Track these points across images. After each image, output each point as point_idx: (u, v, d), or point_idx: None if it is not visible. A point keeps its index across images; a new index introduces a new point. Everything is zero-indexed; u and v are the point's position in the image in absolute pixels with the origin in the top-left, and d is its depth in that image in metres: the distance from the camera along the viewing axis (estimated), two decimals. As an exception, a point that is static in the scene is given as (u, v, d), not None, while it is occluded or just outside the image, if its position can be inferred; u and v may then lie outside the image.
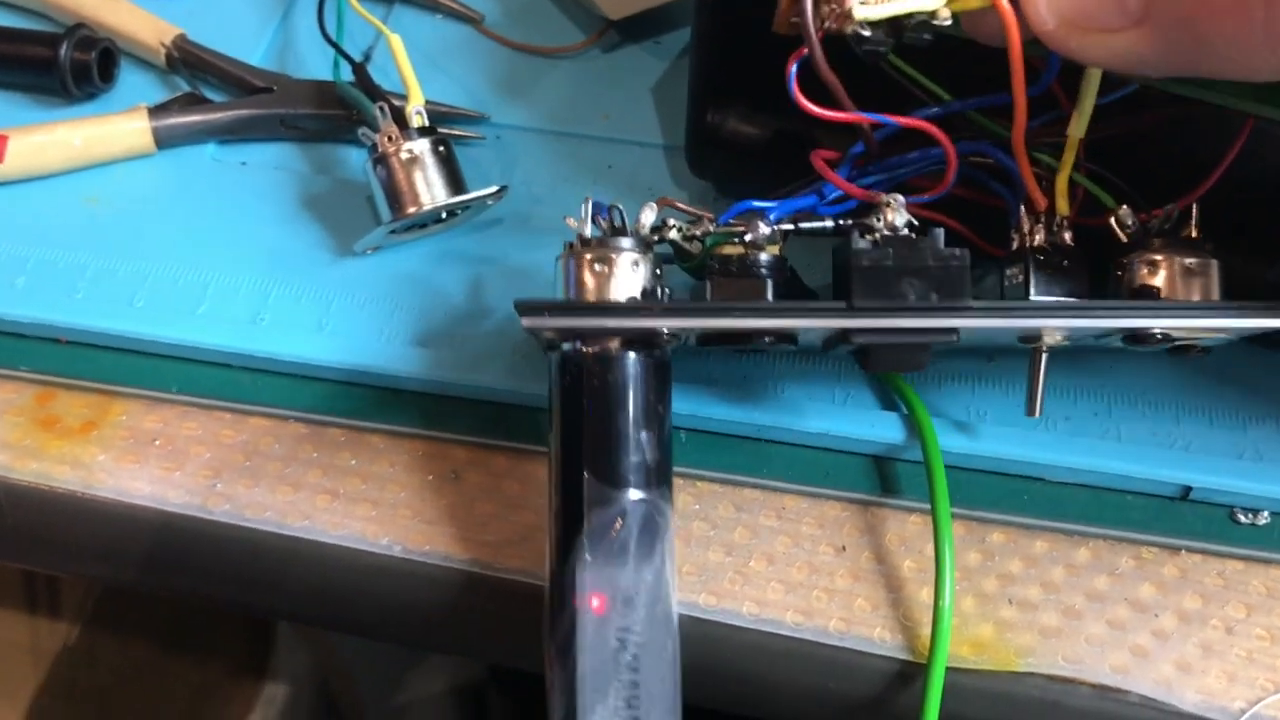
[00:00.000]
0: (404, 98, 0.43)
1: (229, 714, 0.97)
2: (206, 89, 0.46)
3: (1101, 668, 0.36)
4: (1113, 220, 0.36)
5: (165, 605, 0.87)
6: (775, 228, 0.35)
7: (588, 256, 0.34)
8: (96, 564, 0.40)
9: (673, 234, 0.36)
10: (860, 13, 0.30)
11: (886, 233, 0.34)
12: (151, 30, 0.47)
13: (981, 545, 0.39)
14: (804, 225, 0.36)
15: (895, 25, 0.30)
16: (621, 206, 0.35)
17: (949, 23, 0.30)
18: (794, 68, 0.32)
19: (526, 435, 0.40)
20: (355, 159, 0.45)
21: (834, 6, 0.30)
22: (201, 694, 0.94)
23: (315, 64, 0.48)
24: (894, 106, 0.35)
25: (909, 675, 0.37)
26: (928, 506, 0.38)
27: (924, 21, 0.30)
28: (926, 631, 0.36)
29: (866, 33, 0.30)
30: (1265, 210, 0.38)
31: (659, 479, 0.34)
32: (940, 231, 0.34)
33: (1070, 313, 0.33)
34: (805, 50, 0.31)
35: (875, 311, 0.33)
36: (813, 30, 0.31)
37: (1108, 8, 0.28)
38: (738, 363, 0.40)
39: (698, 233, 0.36)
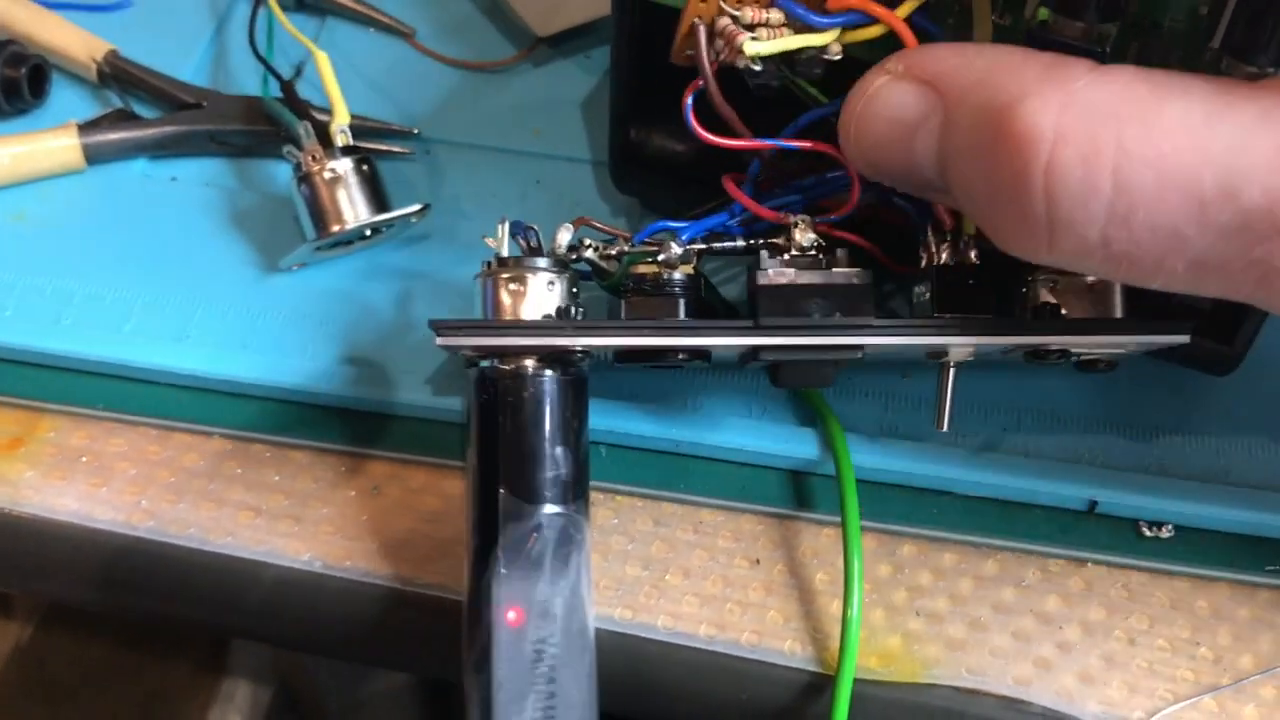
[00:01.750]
0: (330, 112, 0.43)
1: (187, 711, 0.97)
2: (137, 104, 0.47)
3: (1005, 680, 0.37)
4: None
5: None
6: (688, 247, 0.36)
7: (504, 276, 0.35)
8: (24, 579, 0.41)
9: (589, 253, 0.37)
10: (751, 49, 0.30)
11: (794, 252, 0.35)
12: (83, 46, 0.47)
13: (892, 558, 0.39)
14: (716, 245, 0.37)
15: (787, 59, 0.31)
16: (538, 227, 0.36)
17: (839, 57, 0.31)
18: (690, 99, 0.33)
19: (444, 451, 0.40)
20: (283, 174, 0.45)
21: (726, 42, 0.31)
22: (158, 692, 0.94)
23: (246, 79, 0.48)
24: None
25: (818, 686, 0.38)
26: (839, 519, 0.38)
27: (814, 56, 0.31)
28: (835, 643, 0.37)
29: (758, 68, 0.31)
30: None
31: (575, 494, 0.35)
32: (845, 251, 0.35)
33: (970, 331, 0.34)
34: (700, 82, 0.32)
35: (780, 330, 0.34)
36: (706, 64, 0.31)
37: (899, 173, 0.31)
38: (657, 379, 0.41)
39: (614, 252, 0.37)
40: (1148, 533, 0.39)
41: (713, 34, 0.32)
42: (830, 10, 0.31)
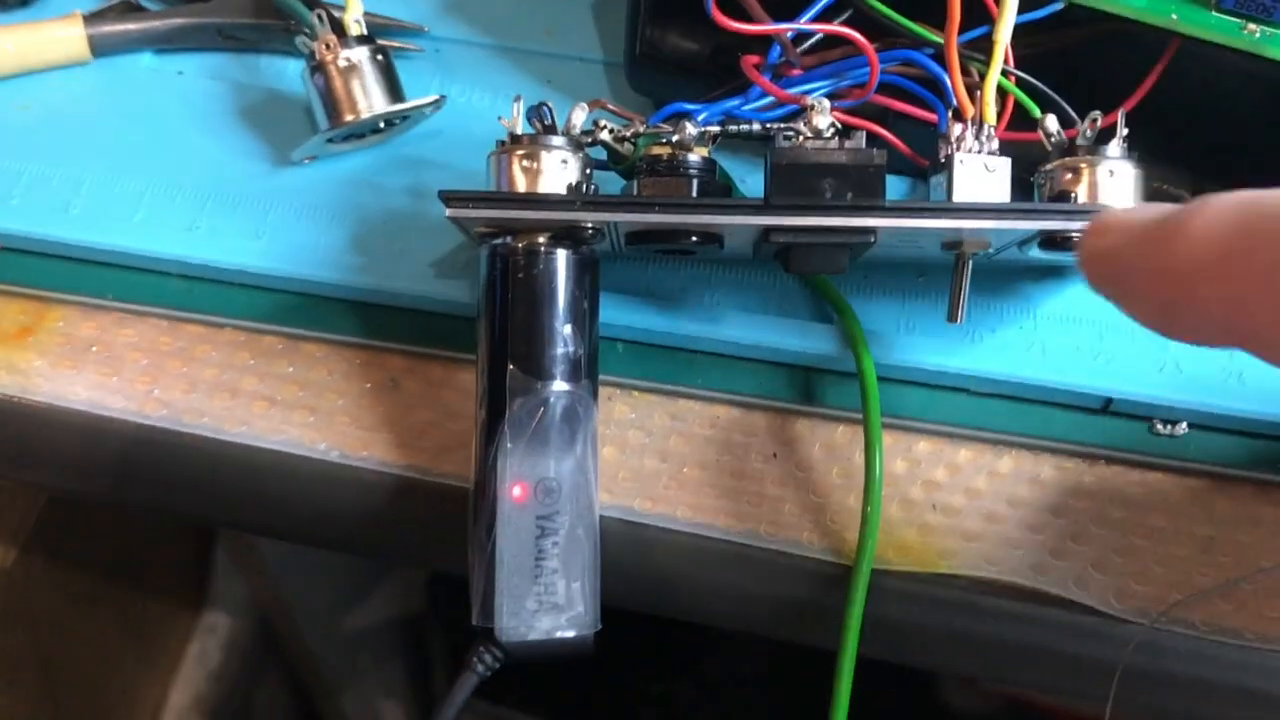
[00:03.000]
0: (342, 7, 0.42)
1: (168, 643, 0.97)
2: (143, -1, 0.46)
3: (1022, 569, 0.38)
4: (1040, 129, 0.36)
5: (104, 534, 0.87)
6: (703, 129, 0.36)
7: (518, 153, 0.35)
8: (33, 470, 0.41)
9: (604, 135, 0.36)
10: None
11: (810, 135, 0.35)
12: (87, -62, 0.46)
13: (908, 453, 0.39)
14: (731, 128, 0.36)
15: None
16: (551, 104, 0.36)
17: None
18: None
19: (464, 345, 0.40)
20: (292, 70, 0.45)
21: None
22: (140, 623, 0.94)
23: (254, -26, 0.47)
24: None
25: (836, 577, 0.38)
26: (856, 416, 0.39)
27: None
28: (852, 536, 0.38)
29: None
30: (1189, 130, 0.39)
31: (583, 373, 0.35)
32: (862, 134, 0.35)
33: (982, 214, 0.34)
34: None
35: (791, 209, 0.33)
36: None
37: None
38: (673, 274, 0.40)
39: (628, 134, 0.36)
40: (1162, 430, 0.39)
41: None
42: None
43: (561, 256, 0.34)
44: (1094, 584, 0.37)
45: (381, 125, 0.42)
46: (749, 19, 0.35)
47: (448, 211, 0.33)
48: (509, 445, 0.33)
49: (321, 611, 1.05)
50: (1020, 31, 0.37)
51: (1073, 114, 0.37)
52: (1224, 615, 0.37)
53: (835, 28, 0.35)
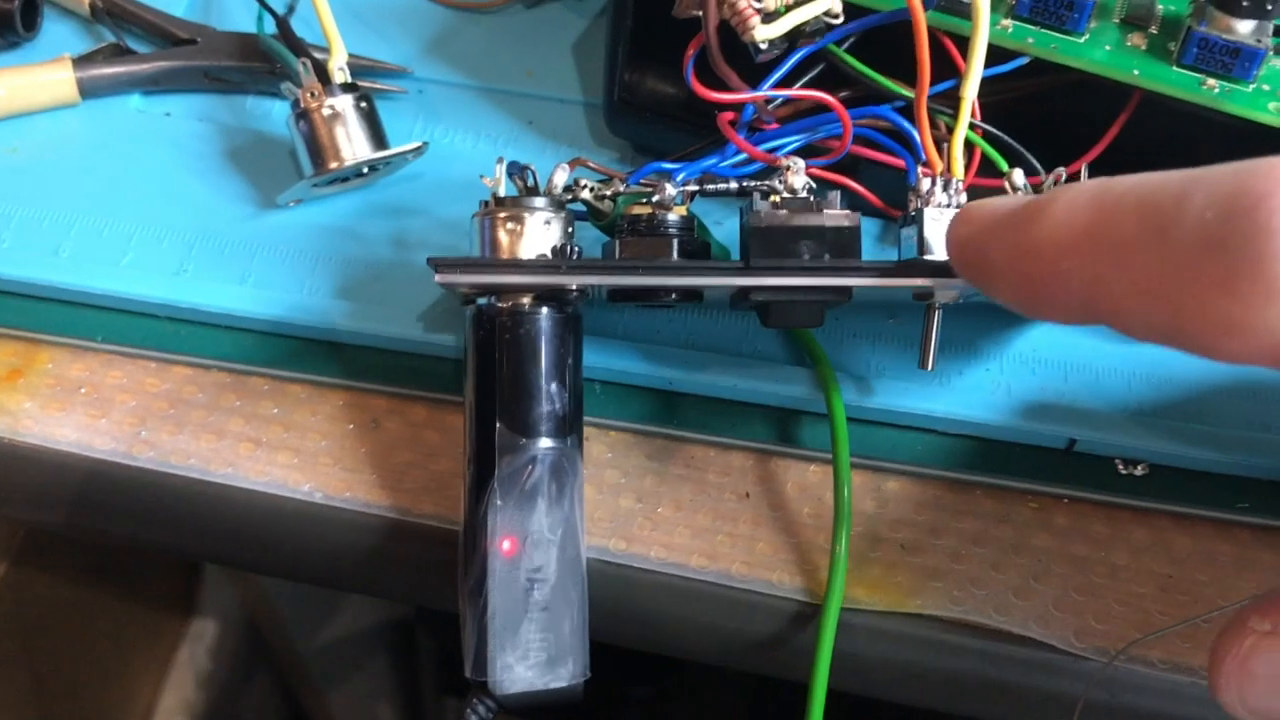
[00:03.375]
0: (327, 51, 0.43)
1: (157, 650, 0.98)
2: (131, 40, 0.47)
3: (986, 609, 0.39)
4: (1005, 183, 0.37)
5: (93, 544, 0.87)
6: (682, 189, 0.37)
7: (501, 215, 0.36)
8: (23, 508, 0.41)
9: (585, 194, 0.37)
10: (762, 34, 0.31)
11: (786, 194, 0.36)
12: (75, -21, 0.47)
13: (877, 493, 0.41)
14: (709, 187, 0.37)
15: (792, 33, 0.32)
16: (534, 168, 0.37)
17: (840, 20, 0.32)
18: (691, 58, 0.33)
19: (445, 386, 0.41)
20: (279, 111, 0.46)
21: (736, 18, 0.32)
22: (129, 630, 0.94)
23: (239, 16, 0.48)
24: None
25: (806, 615, 0.39)
26: (828, 456, 0.39)
27: (820, 22, 0.32)
28: (823, 574, 0.39)
29: (764, 46, 0.32)
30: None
31: (569, 428, 0.36)
32: (836, 194, 0.36)
33: (953, 272, 0.35)
34: (702, 41, 0.33)
35: (771, 270, 0.35)
36: (713, 30, 0.32)
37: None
38: (650, 318, 0.42)
39: (609, 193, 0.37)
40: (1123, 470, 0.40)
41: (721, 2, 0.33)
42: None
43: (546, 316, 0.35)
44: (1055, 622, 0.39)
45: (365, 170, 0.43)
46: (726, 87, 0.36)
47: (437, 278, 0.34)
48: (498, 502, 0.34)
49: (309, 616, 1.06)
50: (986, 80, 0.38)
51: (1038, 165, 0.38)
52: (1182, 653, 0.39)
53: (810, 93, 0.36)
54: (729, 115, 0.38)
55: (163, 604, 1.00)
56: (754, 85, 0.37)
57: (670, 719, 1.03)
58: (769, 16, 0.34)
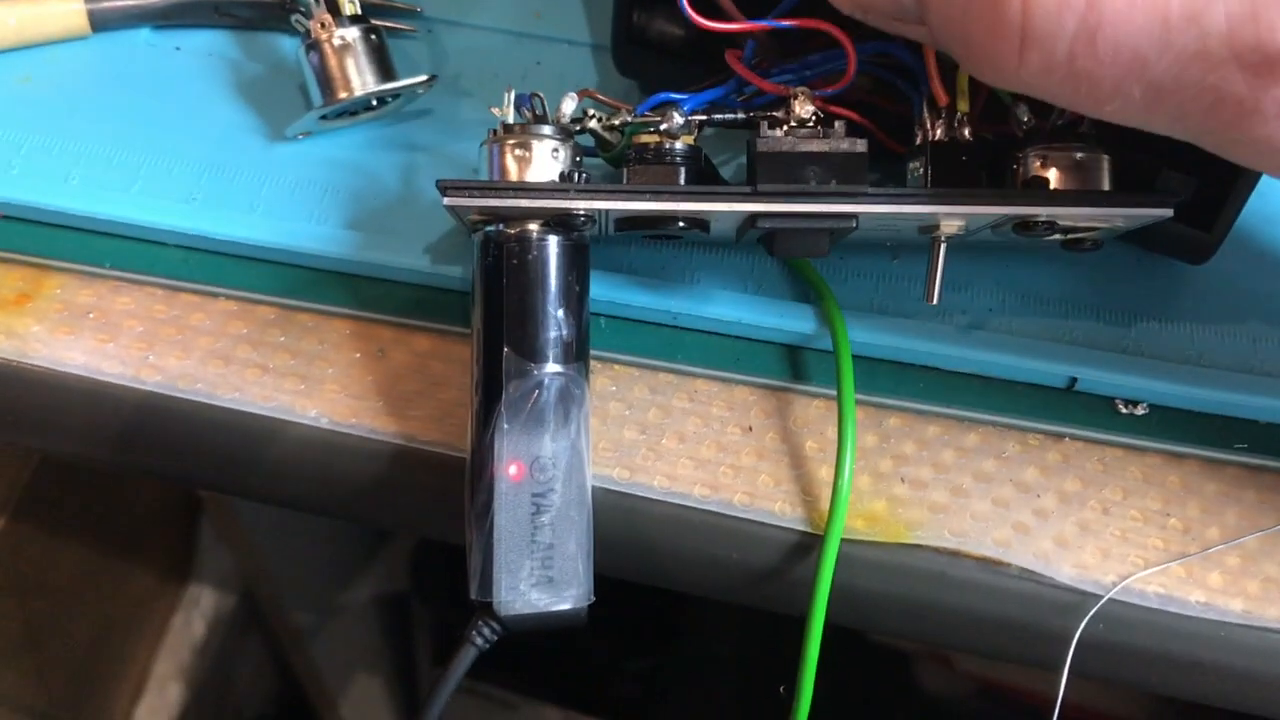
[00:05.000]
0: (338, -14, 0.43)
1: (153, 615, 0.98)
2: (142, -26, 0.47)
3: (985, 541, 0.39)
4: (1010, 116, 0.38)
5: (90, 506, 0.87)
6: (689, 118, 0.37)
7: (510, 142, 0.36)
8: (29, 433, 0.41)
9: (593, 124, 0.38)
10: None
11: (793, 124, 0.36)
12: (87, -86, 0.47)
13: (879, 429, 0.41)
14: (716, 116, 0.38)
15: None
16: (543, 95, 0.37)
17: None
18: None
19: (451, 317, 0.41)
20: (288, 47, 0.46)
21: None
22: (126, 594, 0.95)
23: (250, -47, 0.48)
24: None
25: (807, 546, 0.39)
26: (831, 392, 0.40)
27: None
28: (824, 506, 0.39)
29: None
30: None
31: (576, 355, 0.36)
32: (842, 123, 0.36)
33: (960, 200, 0.35)
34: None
35: (777, 196, 0.35)
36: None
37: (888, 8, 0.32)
38: (656, 253, 0.42)
39: (617, 123, 0.38)
40: (1123, 410, 0.41)
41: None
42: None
43: (554, 243, 0.36)
44: (1054, 557, 0.39)
45: (374, 103, 0.43)
46: (725, 17, 0.36)
47: (445, 200, 0.34)
48: (505, 426, 0.35)
49: (305, 584, 1.06)
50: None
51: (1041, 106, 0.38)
52: (1175, 586, 0.39)
53: (812, 22, 0.36)
54: (736, 51, 0.39)
55: (160, 569, 1.00)
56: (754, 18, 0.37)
57: (667, 691, 1.03)
58: None
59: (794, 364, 0.41)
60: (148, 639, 0.99)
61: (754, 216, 0.35)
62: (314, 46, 0.42)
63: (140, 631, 0.98)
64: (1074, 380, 0.41)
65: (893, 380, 0.41)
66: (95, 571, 0.91)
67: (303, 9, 0.42)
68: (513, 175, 0.36)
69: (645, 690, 1.03)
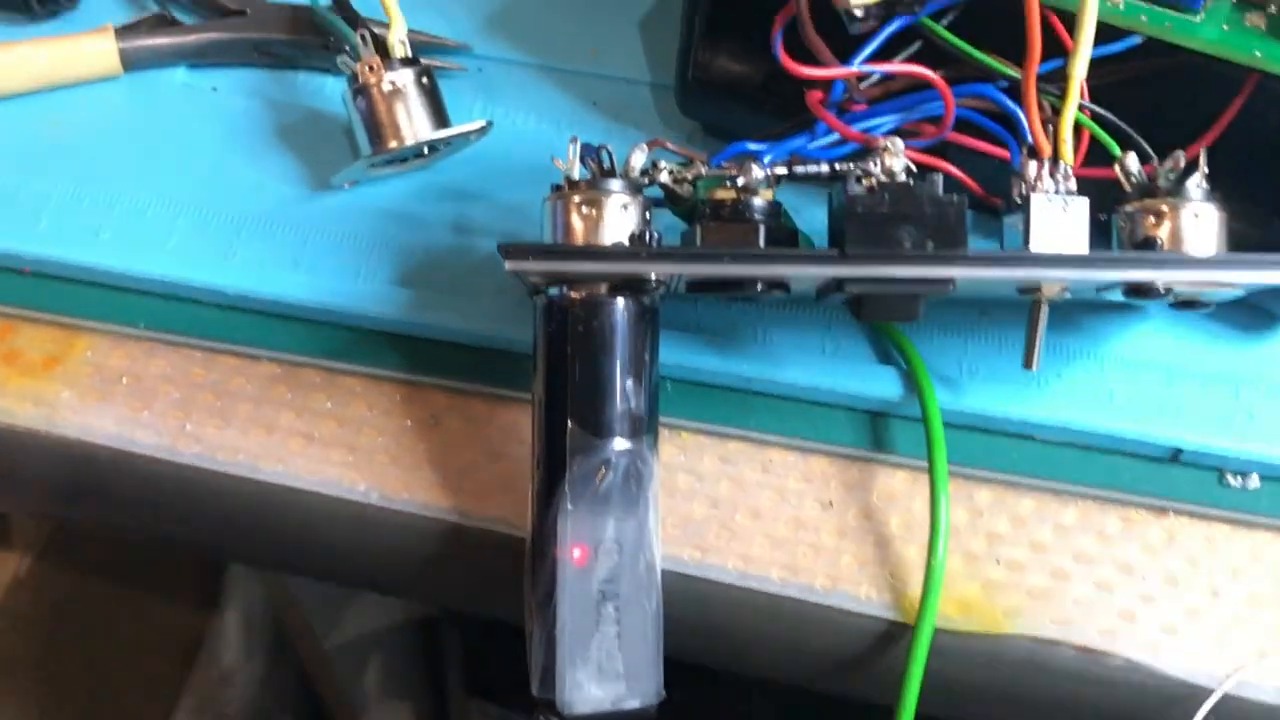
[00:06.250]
0: (385, 25, 0.41)
1: (180, 645, 0.97)
2: (176, 10, 0.44)
3: (1089, 630, 0.36)
4: (1118, 168, 0.35)
5: (117, 539, 0.87)
6: (769, 171, 0.34)
7: (575, 199, 0.34)
8: (62, 505, 0.40)
9: (663, 176, 0.35)
10: None
11: (883, 178, 0.33)
12: (118, -54, 0.45)
13: (969, 503, 0.38)
14: (798, 169, 0.35)
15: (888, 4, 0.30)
16: (610, 147, 0.34)
17: None
18: (780, 30, 0.31)
19: (508, 381, 0.39)
20: (331, 88, 0.43)
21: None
22: (152, 624, 0.94)
23: (290, -14, 0.46)
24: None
25: (894, 634, 0.37)
26: (915, 462, 0.37)
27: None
28: (913, 590, 0.36)
29: (859, 14, 0.30)
30: (1266, 166, 0.38)
31: (645, 428, 0.34)
32: (939, 177, 0.33)
33: (1069, 264, 0.33)
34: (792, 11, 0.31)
35: (869, 259, 0.32)
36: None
37: None
38: (725, 311, 0.39)
39: (689, 176, 0.35)
40: (1233, 483, 0.38)
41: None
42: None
43: (622, 307, 0.33)
44: (1162, 645, 0.36)
45: (425, 150, 0.41)
46: (816, 62, 0.33)
47: (507, 265, 0.32)
48: (569, 507, 0.32)
49: (333, 613, 1.05)
50: (1095, 61, 0.35)
51: (1150, 150, 0.36)
52: (1298, 680, 0.36)
53: (910, 68, 0.33)
54: (818, 94, 0.36)
55: (186, 598, 0.99)
56: (844, 61, 0.34)
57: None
58: None
59: (875, 431, 0.39)
60: (176, 670, 0.98)
61: (840, 280, 0.33)
62: (362, 91, 0.39)
63: (168, 662, 0.97)
64: (1178, 451, 0.38)
65: (983, 450, 0.38)
66: (122, 603, 0.90)
67: (349, 49, 0.40)
68: (579, 234, 0.34)
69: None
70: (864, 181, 0.33)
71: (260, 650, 1.05)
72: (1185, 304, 0.36)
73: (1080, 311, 0.39)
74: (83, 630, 0.86)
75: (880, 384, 0.38)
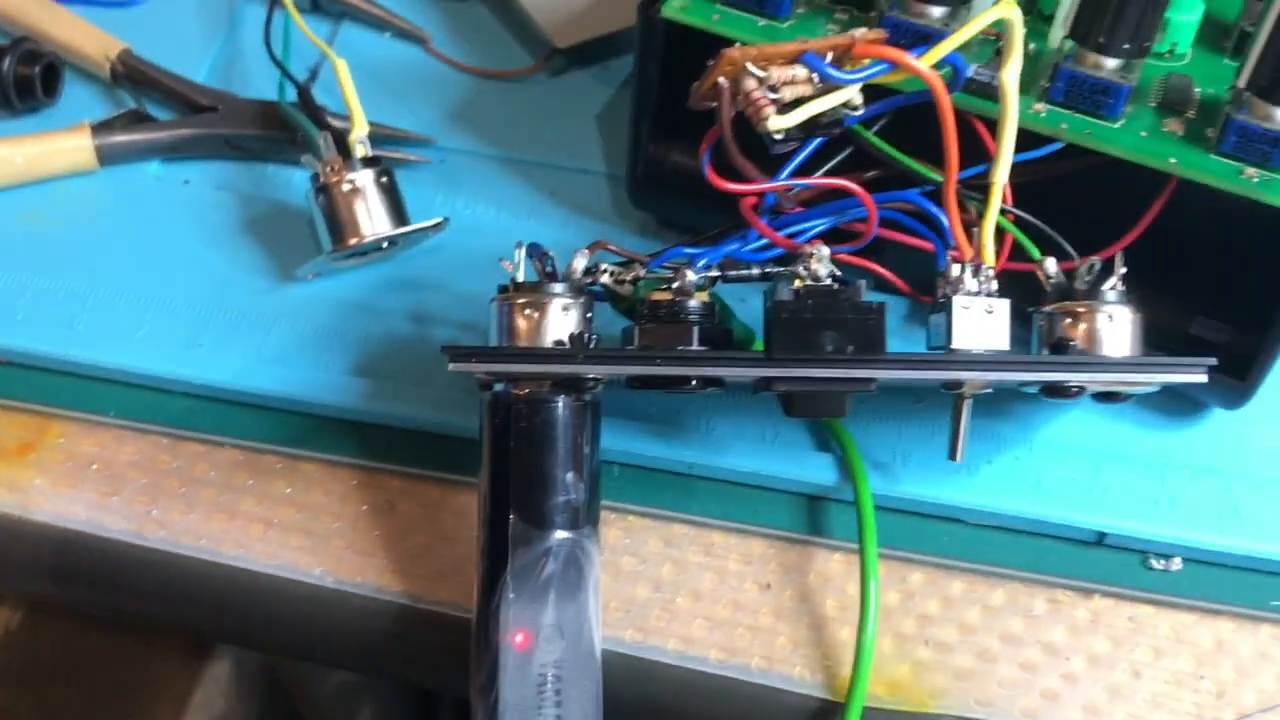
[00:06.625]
0: (349, 120, 0.43)
1: (173, 694, 0.97)
2: (151, 105, 0.46)
3: (1012, 711, 0.37)
4: (1038, 271, 0.36)
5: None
6: (703, 275, 0.36)
7: (519, 301, 0.35)
8: (36, 584, 0.41)
9: (605, 278, 0.37)
10: (775, 124, 0.31)
11: (810, 282, 0.35)
12: (97, 44, 0.47)
13: (902, 585, 0.39)
14: (731, 273, 0.37)
15: (808, 124, 0.31)
16: (553, 253, 0.36)
17: (861, 111, 0.31)
18: (706, 151, 0.33)
19: (460, 466, 0.40)
20: (299, 180, 0.45)
21: (750, 109, 0.31)
22: (145, 673, 0.94)
23: (260, 82, 0.48)
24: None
25: (826, 713, 0.38)
26: (852, 545, 0.39)
27: (838, 113, 0.31)
28: (845, 670, 0.37)
29: (779, 137, 0.31)
30: (1187, 263, 0.39)
31: (585, 519, 0.35)
32: (862, 283, 0.35)
33: (986, 366, 0.34)
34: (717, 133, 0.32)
35: (793, 362, 0.34)
36: (728, 125, 0.32)
37: None
38: (669, 399, 0.41)
39: (629, 277, 0.37)
40: (1156, 565, 0.39)
41: (736, 92, 0.32)
42: (857, 63, 0.32)
43: (563, 404, 0.35)
44: (1085, 726, 0.37)
45: (385, 244, 0.42)
46: (744, 178, 0.35)
47: (450, 366, 0.33)
48: (511, 595, 0.33)
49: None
50: (1017, 164, 0.37)
51: (1071, 251, 0.37)
52: (1216, 759, 0.37)
53: (830, 181, 0.35)
54: (751, 200, 0.37)
55: (178, 647, 0.99)
56: (774, 171, 0.36)
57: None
58: (785, 107, 0.33)
59: (813, 515, 0.40)
60: (169, 717, 0.98)
61: (769, 379, 0.34)
62: (323, 190, 0.41)
63: (162, 710, 0.97)
64: (1103, 535, 0.39)
65: (917, 533, 0.40)
66: (114, 654, 0.90)
67: (313, 149, 0.42)
68: (522, 334, 0.35)
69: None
70: (792, 286, 0.35)
71: (253, 697, 1.05)
72: (1105, 396, 0.37)
73: (1010, 399, 0.41)
74: (76, 681, 0.87)
75: (818, 470, 0.39)
